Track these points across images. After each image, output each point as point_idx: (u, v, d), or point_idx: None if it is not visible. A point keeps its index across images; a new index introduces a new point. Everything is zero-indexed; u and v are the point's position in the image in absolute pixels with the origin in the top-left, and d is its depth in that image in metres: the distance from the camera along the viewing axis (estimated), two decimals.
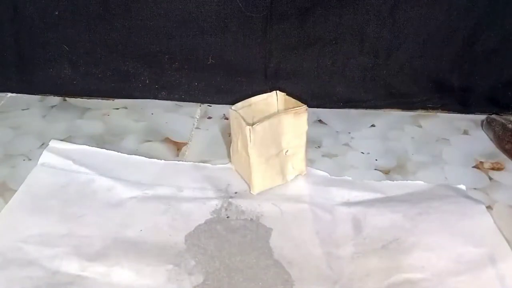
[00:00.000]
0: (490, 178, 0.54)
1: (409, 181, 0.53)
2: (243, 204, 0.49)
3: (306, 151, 0.52)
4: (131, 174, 0.52)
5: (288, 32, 0.63)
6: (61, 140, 0.57)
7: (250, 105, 0.51)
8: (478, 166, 0.56)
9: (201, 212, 0.47)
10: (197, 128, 0.62)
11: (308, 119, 0.49)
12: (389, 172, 0.55)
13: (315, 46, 0.64)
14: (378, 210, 0.48)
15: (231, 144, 0.52)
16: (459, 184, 0.52)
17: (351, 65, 0.65)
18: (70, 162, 0.53)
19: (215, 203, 0.49)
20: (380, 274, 0.41)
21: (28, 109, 0.65)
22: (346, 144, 0.60)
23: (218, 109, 0.66)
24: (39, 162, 0.53)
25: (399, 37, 0.63)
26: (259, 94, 0.52)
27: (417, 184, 0.52)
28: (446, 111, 0.67)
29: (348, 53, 0.64)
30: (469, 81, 0.66)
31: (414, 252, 0.43)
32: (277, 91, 0.52)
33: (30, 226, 0.45)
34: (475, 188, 0.52)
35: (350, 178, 0.53)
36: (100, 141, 0.58)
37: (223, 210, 0.48)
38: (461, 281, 0.41)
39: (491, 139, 0.61)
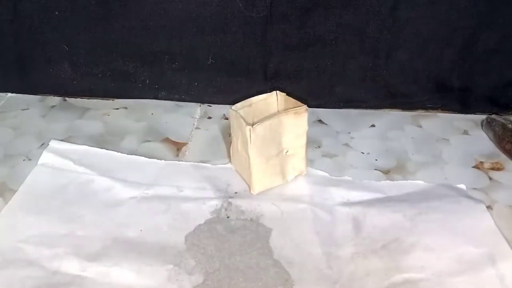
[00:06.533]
0: (490, 178, 0.54)
1: (409, 181, 0.53)
2: (243, 204, 0.49)
3: (306, 151, 0.52)
4: (131, 174, 0.52)
5: (288, 32, 0.63)
6: (61, 140, 0.57)
7: (250, 105, 0.51)
8: (478, 166, 0.56)
9: (201, 212, 0.47)
10: (197, 128, 0.62)
11: (308, 119, 0.49)
12: (389, 172, 0.55)
13: (315, 46, 0.64)
14: (378, 210, 0.48)
15: (231, 144, 0.52)
16: (459, 184, 0.52)
17: (351, 65, 0.65)
18: (70, 163, 0.53)
19: (215, 203, 0.49)
20: (380, 274, 0.41)
21: (28, 109, 0.65)
22: (346, 144, 0.60)
23: (218, 109, 0.66)
24: (39, 162, 0.53)
25: (399, 37, 0.63)
26: (259, 94, 0.52)
27: (417, 184, 0.52)
28: (446, 111, 0.67)
29: (348, 53, 0.64)
30: (469, 81, 0.66)
31: (414, 252, 0.43)
32: (277, 91, 0.52)
33: (30, 226, 0.45)
34: (475, 188, 0.52)
35: (350, 178, 0.53)
36: (100, 141, 0.58)
37: (223, 210, 0.48)
38: (461, 281, 0.41)
39: (491, 139, 0.61)
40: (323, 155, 0.57)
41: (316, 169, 0.54)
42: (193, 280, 0.40)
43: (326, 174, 0.53)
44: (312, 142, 0.58)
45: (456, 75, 0.65)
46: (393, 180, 0.53)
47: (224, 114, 0.65)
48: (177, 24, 0.63)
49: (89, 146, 0.56)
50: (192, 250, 0.43)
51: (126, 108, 0.66)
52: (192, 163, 0.55)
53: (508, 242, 0.44)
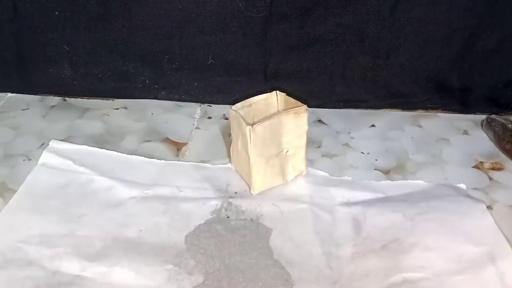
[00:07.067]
0: (490, 178, 0.54)
1: (409, 181, 0.53)
2: (243, 204, 0.49)
3: (306, 151, 0.52)
4: (131, 174, 0.52)
5: (288, 32, 0.63)
6: (61, 140, 0.57)
7: (250, 105, 0.51)
8: (478, 166, 0.56)
9: (201, 212, 0.47)
10: (197, 128, 0.62)
11: (308, 119, 0.49)
12: (389, 172, 0.55)
13: (315, 46, 0.64)
14: (378, 210, 0.48)
15: (231, 144, 0.52)
16: (459, 184, 0.52)
17: (351, 65, 0.65)
18: (70, 162, 0.53)
19: (215, 203, 0.49)
20: (380, 274, 0.41)
21: (28, 109, 0.65)
22: (346, 144, 0.60)
23: (218, 109, 0.66)
24: (39, 162, 0.53)
25: (399, 37, 0.63)
26: (259, 94, 0.52)
27: (417, 183, 0.52)
28: (446, 111, 0.67)
29: (348, 53, 0.64)
30: (469, 81, 0.66)
31: (414, 251, 0.43)
32: (277, 91, 0.52)
33: (30, 226, 0.45)
34: (475, 188, 0.52)
35: (350, 178, 0.53)
36: (100, 141, 0.58)
37: (223, 210, 0.48)
38: (461, 280, 0.41)
39: (491, 139, 0.61)
40: (323, 155, 0.57)
41: (316, 169, 0.54)
42: (193, 280, 0.40)
43: (326, 174, 0.53)
44: (312, 142, 0.58)
45: (456, 75, 0.65)
46: (393, 180, 0.53)
47: (224, 114, 0.65)
48: (177, 24, 0.63)
49: (89, 146, 0.56)
50: (192, 250, 0.43)
51: (126, 108, 0.66)
52: (192, 163, 0.55)
53: (508, 241, 0.44)
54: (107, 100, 0.67)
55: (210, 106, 0.67)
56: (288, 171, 0.51)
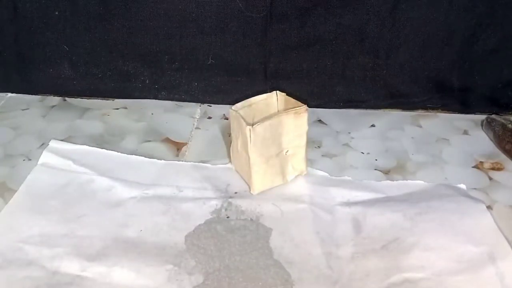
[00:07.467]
0: (490, 178, 0.54)
1: (409, 181, 0.53)
2: (243, 204, 0.49)
3: (306, 151, 0.52)
4: (131, 174, 0.52)
5: (288, 32, 0.63)
6: (61, 140, 0.57)
7: (250, 105, 0.51)
8: (478, 166, 0.56)
9: (201, 212, 0.47)
10: (197, 128, 0.62)
11: (308, 119, 0.49)
12: (389, 172, 0.55)
13: (315, 46, 0.64)
14: (378, 210, 0.48)
15: (231, 144, 0.52)
16: (459, 184, 0.52)
17: (351, 65, 0.65)
18: (70, 162, 0.53)
19: (215, 203, 0.49)
20: (380, 274, 0.41)
21: (28, 109, 0.65)
22: (346, 144, 0.60)
23: (218, 109, 0.66)
24: (39, 162, 0.53)
25: (399, 37, 0.63)
26: (259, 94, 0.52)
27: (417, 184, 0.52)
28: (446, 111, 0.67)
29: (348, 53, 0.64)
30: (469, 81, 0.66)
31: (414, 251, 0.43)
32: (277, 91, 0.52)
33: (30, 226, 0.45)
34: (475, 188, 0.52)
35: (350, 178, 0.53)
36: (100, 141, 0.58)
37: (223, 210, 0.48)
38: (461, 280, 0.41)
39: (491, 139, 0.61)
40: (323, 155, 0.57)
41: (316, 169, 0.54)
42: (193, 280, 0.40)
43: (326, 174, 0.53)
44: (312, 142, 0.58)
45: (456, 75, 0.65)
46: (393, 180, 0.53)
47: (224, 114, 0.65)
48: (177, 24, 0.63)
49: (89, 146, 0.56)
50: (192, 250, 0.43)
51: (126, 108, 0.66)
52: (192, 163, 0.55)
53: (508, 241, 0.44)
54: (107, 100, 0.67)
55: (210, 106, 0.67)
56: (288, 171, 0.51)
